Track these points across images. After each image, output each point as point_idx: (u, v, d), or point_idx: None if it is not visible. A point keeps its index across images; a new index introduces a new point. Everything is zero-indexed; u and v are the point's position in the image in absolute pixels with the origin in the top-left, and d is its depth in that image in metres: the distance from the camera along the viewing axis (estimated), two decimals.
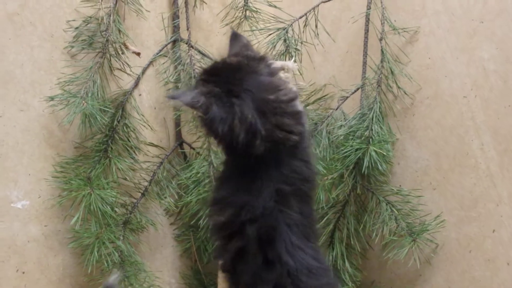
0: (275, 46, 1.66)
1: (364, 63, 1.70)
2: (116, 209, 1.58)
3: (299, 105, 1.21)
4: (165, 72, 1.72)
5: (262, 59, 1.19)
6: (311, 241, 1.18)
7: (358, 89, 1.69)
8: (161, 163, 1.70)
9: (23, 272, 1.56)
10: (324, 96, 1.79)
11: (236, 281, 1.20)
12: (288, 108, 1.15)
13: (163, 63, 1.73)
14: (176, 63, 1.72)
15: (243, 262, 1.16)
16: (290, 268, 1.12)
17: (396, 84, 1.66)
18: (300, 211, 1.16)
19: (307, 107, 1.73)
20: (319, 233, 1.33)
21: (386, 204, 1.62)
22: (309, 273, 1.14)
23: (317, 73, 1.84)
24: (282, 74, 1.29)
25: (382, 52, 1.66)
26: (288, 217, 1.14)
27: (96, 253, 1.49)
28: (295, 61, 1.55)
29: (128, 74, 1.67)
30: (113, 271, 1.38)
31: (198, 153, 1.70)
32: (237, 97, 1.11)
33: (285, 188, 1.14)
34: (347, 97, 1.71)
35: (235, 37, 1.26)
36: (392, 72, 1.65)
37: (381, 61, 1.65)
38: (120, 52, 1.63)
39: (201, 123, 1.17)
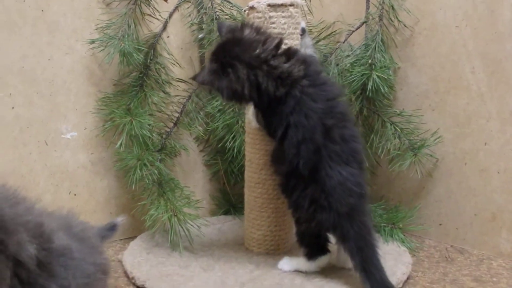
0: None
1: (367, 0, 1.95)
2: (153, 135, 1.86)
3: (293, 45, 1.56)
4: (189, 15, 2.01)
5: (244, 25, 1.51)
6: (350, 165, 1.46)
7: (362, 23, 1.97)
8: (190, 96, 1.98)
9: (75, 194, 1.86)
10: (333, 32, 2.05)
11: (290, 197, 1.53)
12: (277, 51, 1.46)
13: (187, 8, 2.00)
14: (199, 7, 2.00)
15: (296, 186, 1.49)
16: (325, 187, 1.44)
17: (397, 17, 1.93)
18: (341, 138, 1.46)
19: (319, 42, 2.00)
20: (360, 156, 1.52)
21: (390, 124, 1.89)
22: (341, 191, 1.44)
23: (326, 12, 2.10)
24: (292, 9, 1.58)
25: None
26: (330, 149, 1.44)
27: (138, 172, 1.77)
28: None
29: (157, 18, 1.94)
30: (120, 216, 1.59)
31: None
32: (231, 66, 1.45)
33: (328, 122, 1.44)
34: (353, 31, 1.98)
35: (220, 26, 1.57)
36: (392, 7, 1.91)
37: None
38: None
39: (217, 95, 1.57)
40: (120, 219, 1.50)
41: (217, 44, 1.52)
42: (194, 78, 1.54)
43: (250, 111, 1.62)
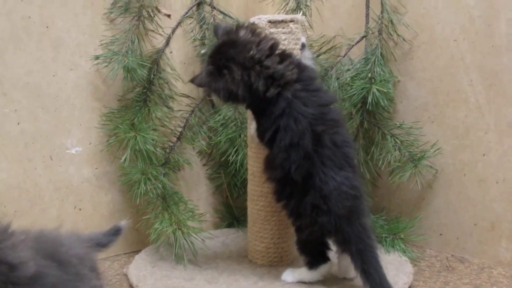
0: (287, 3, 1.99)
1: (367, 15, 2.01)
2: (157, 150, 1.90)
3: (287, 48, 1.61)
4: (192, 31, 2.05)
5: (239, 27, 1.57)
6: (344, 170, 1.51)
7: (362, 38, 2.01)
8: (193, 111, 2.03)
9: (80, 209, 1.90)
10: (333, 46, 2.10)
11: (288, 206, 1.57)
12: (272, 53, 1.51)
13: (190, 23, 2.05)
14: (201, 23, 2.05)
15: (293, 193, 1.54)
16: (323, 193, 1.49)
17: (396, 32, 1.98)
18: (333, 144, 1.51)
19: (319, 56, 2.05)
20: (352, 160, 1.57)
21: (391, 137, 1.94)
22: (338, 196, 1.49)
23: (326, 26, 2.15)
24: (292, 25, 1.63)
25: (382, 4, 1.97)
26: (322, 155, 1.49)
27: (143, 186, 1.81)
28: (302, 14, 1.88)
29: (160, 34, 1.99)
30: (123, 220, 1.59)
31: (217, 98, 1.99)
32: (226, 68, 1.50)
33: (318, 128, 1.49)
34: (353, 45, 2.03)
35: (216, 28, 1.62)
36: (391, 22, 1.97)
37: (381, 12, 1.97)
38: (153, 15, 1.95)
39: (214, 96, 1.66)
40: (124, 223, 1.52)
41: (213, 47, 1.57)
42: (192, 80, 1.60)
43: (252, 127, 1.66)
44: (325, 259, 1.62)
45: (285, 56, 1.53)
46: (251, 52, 1.49)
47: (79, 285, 1.22)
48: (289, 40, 1.66)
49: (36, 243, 1.23)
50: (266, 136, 1.52)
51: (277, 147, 1.50)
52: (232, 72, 1.49)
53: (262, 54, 1.50)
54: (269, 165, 1.56)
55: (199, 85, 1.60)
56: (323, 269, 1.62)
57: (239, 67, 1.49)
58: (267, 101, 1.49)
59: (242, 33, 1.53)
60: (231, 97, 1.52)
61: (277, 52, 1.53)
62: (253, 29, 1.56)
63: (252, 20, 1.67)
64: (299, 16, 1.70)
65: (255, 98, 1.51)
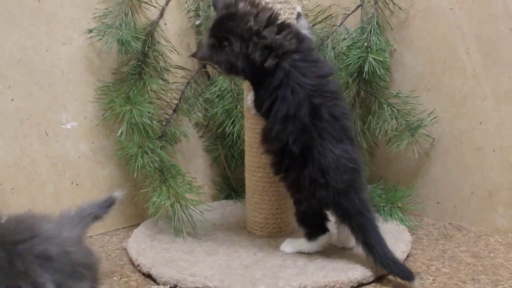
0: None
1: None
2: (153, 123, 1.91)
3: (286, 19, 1.61)
4: (186, 2, 2.05)
5: (238, 0, 1.56)
6: (343, 142, 1.52)
7: (358, 7, 2.02)
8: (188, 82, 2.03)
9: (77, 184, 1.91)
10: (329, 15, 2.11)
11: (286, 179, 1.59)
12: (270, 23, 1.52)
13: None
14: None
15: (291, 166, 1.55)
16: (321, 166, 1.50)
17: (392, 0, 1.98)
18: (331, 116, 1.51)
19: (315, 26, 2.05)
20: (351, 133, 1.58)
21: (387, 106, 1.96)
22: (336, 169, 1.51)
23: None
24: None
25: None
26: (320, 128, 1.50)
27: (140, 160, 1.82)
28: None
29: (154, 6, 1.98)
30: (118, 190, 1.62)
31: (220, 71, 2.01)
32: (226, 40, 1.51)
33: (315, 100, 1.50)
34: (349, 14, 2.04)
35: (215, 2, 1.62)
36: None
37: None
38: None
39: (216, 68, 1.64)
40: (118, 193, 1.55)
41: (213, 20, 1.58)
42: (194, 55, 1.62)
43: (249, 98, 1.67)
44: (324, 230, 1.64)
45: (283, 27, 1.53)
46: (249, 24, 1.49)
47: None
48: (285, 9, 1.66)
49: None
50: (264, 106, 1.53)
51: (273, 118, 1.51)
52: (231, 44, 1.50)
53: (260, 25, 1.50)
54: (266, 137, 1.57)
55: (201, 58, 1.63)
56: (322, 240, 1.64)
57: (238, 38, 1.49)
58: (266, 72, 1.50)
59: (241, 5, 1.53)
60: (232, 69, 1.53)
61: (277, 22, 1.53)
62: (252, 1, 1.55)
63: None
64: None
65: (254, 69, 1.51)
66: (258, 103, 1.57)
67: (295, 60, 1.49)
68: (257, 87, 1.57)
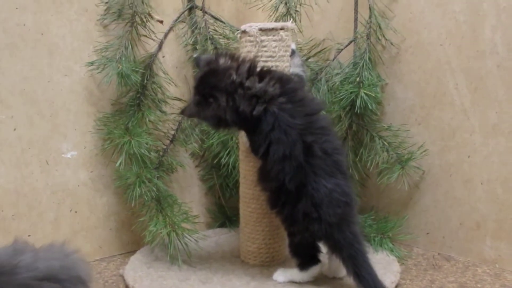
0: (277, 9, 2.06)
1: (356, 19, 2.09)
2: (151, 154, 1.97)
3: (266, 65, 1.68)
4: (184, 36, 2.13)
5: (218, 55, 1.66)
6: (335, 177, 1.59)
7: (351, 42, 2.09)
8: None
9: (76, 212, 1.97)
10: (323, 49, 2.18)
11: (281, 213, 1.65)
12: (251, 74, 1.60)
13: (182, 28, 2.12)
14: (193, 28, 2.12)
15: (286, 202, 1.61)
16: (314, 201, 1.57)
17: (384, 36, 2.05)
18: (323, 152, 1.58)
19: (309, 59, 2.12)
20: (343, 167, 1.64)
21: (379, 139, 2.02)
22: (329, 203, 1.57)
23: (315, 30, 2.23)
24: (282, 33, 1.70)
25: (370, 9, 2.04)
26: (313, 165, 1.57)
27: (137, 189, 1.88)
28: (292, 21, 1.94)
29: (152, 39, 2.06)
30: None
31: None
32: (211, 96, 1.59)
33: (307, 138, 1.57)
34: (342, 49, 2.11)
35: (198, 60, 1.70)
36: (379, 26, 2.04)
37: (370, 17, 2.05)
38: (145, 21, 2.01)
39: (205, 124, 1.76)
40: None
41: (197, 78, 1.65)
42: (182, 112, 1.70)
43: (243, 133, 1.74)
44: (316, 261, 1.70)
45: (264, 74, 1.61)
46: (232, 77, 1.58)
47: None
48: (280, 47, 1.73)
49: None
50: (260, 151, 1.59)
51: (272, 160, 1.57)
52: (217, 99, 1.58)
53: (242, 76, 1.58)
54: (263, 176, 1.64)
55: (189, 116, 1.71)
56: (313, 271, 1.70)
57: (223, 93, 1.57)
58: (256, 119, 1.57)
59: (221, 61, 1.62)
60: (220, 123, 1.61)
61: (256, 71, 1.61)
62: (231, 55, 1.64)
63: (243, 27, 1.74)
64: (289, 23, 1.77)
65: (243, 119, 1.59)
66: (254, 148, 1.64)
67: (282, 103, 1.56)
68: (250, 133, 1.64)
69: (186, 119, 2.08)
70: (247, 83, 1.57)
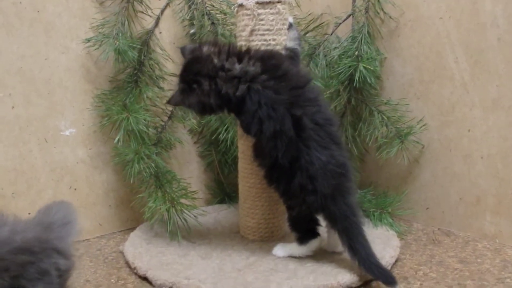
0: None
1: None
2: (149, 130, 1.98)
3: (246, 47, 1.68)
4: (180, 11, 2.12)
5: (202, 44, 1.67)
6: (329, 148, 1.59)
7: (349, 16, 2.09)
8: None
9: (75, 189, 1.99)
10: (321, 23, 2.18)
11: (278, 188, 1.67)
12: (229, 55, 1.61)
13: (179, 4, 2.12)
14: (189, 3, 2.11)
15: (282, 176, 1.62)
16: (309, 173, 1.58)
17: (382, 9, 2.05)
18: (315, 122, 1.59)
19: (307, 34, 2.12)
20: (337, 137, 1.64)
21: (378, 113, 2.02)
22: (324, 174, 1.57)
23: (314, 4, 2.23)
24: (279, 6, 1.70)
25: None
26: (304, 138, 1.57)
27: (136, 165, 1.89)
28: None
29: (149, 15, 2.06)
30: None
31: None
32: (195, 82, 1.61)
33: (296, 111, 1.57)
34: (340, 23, 2.11)
35: (183, 50, 1.71)
36: (378, 0, 2.02)
37: None
38: None
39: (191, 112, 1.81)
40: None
41: (182, 66, 1.67)
42: (168, 102, 1.71)
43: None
44: (314, 234, 1.71)
45: (243, 54, 1.62)
46: (213, 62, 1.59)
47: None
48: (277, 20, 1.73)
49: None
50: (252, 130, 1.59)
51: (264, 137, 1.57)
52: (200, 84, 1.59)
53: (222, 60, 1.59)
54: (258, 152, 1.65)
55: (175, 104, 1.73)
56: (312, 245, 1.71)
57: (206, 78, 1.59)
58: (240, 100, 1.58)
59: (205, 48, 1.63)
60: (205, 108, 1.63)
61: (235, 52, 1.62)
62: (214, 42, 1.66)
63: (240, 1, 1.74)
64: None
65: (227, 101, 1.60)
66: (245, 128, 1.64)
67: (264, 81, 1.57)
68: (238, 115, 1.65)
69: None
70: (227, 65, 1.59)
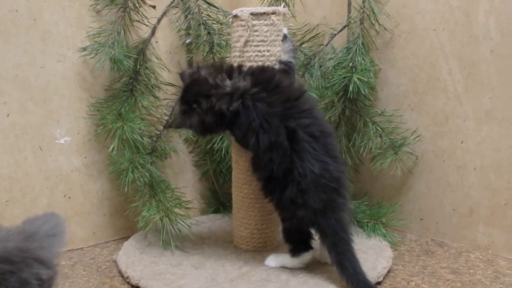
0: None
1: (349, 4, 2.09)
2: (144, 139, 1.99)
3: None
4: (177, 21, 2.14)
5: (200, 67, 1.70)
6: (323, 161, 1.59)
7: (344, 27, 2.10)
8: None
9: (69, 197, 1.99)
10: (316, 34, 2.19)
11: (273, 200, 1.67)
12: (219, 76, 1.64)
13: (175, 13, 2.13)
14: (186, 13, 2.12)
15: (276, 188, 1.63)
16: (300, 186, 1.58)
17: (377, 21, 2.06)
18: (310, 135, 1.59)
19: (302, 45, 2.13)
20: (333, 150, 1.64)
21: (372, 124, 2.03)
22: (315, 189, 1.58)
23: (309, 15, 2.24)
24: (274, 17, 1.72)
25: None
26: (299, 150, 1.58)
27: (130, 175, 1.90)
28: (285, 5, 1.96)
29: (145, 24, 2.07)
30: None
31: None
32: (195, 102, 1.64)
33: (290, 123, 1.58)
34: (335, 34, 2.11)
35: (182, 75, 1.74)
36: (373, 11, 2.04)
37: (363, 2, 2.05)
38: (138, 6, 2.02)
39: (192, 132, 1.79)
40: None
41: (181, 89, 1.70)
42: (170, 126, 1.78)
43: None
44: (307, 247, 1.72)
45: (232, 70, 1.66)
46: (209, 81, 1.62)
47: None
48: (271, 31, 1.74)
49: None
50: (249, 143, 1.61)
51: (260, 150, 1.59)
52: (199, 104, 1.62)
53: (214, 78, 1.63)
54: (256, 166, 1.66)
55: (177, 126, 1.77)
56: (305, 257, 1.72)
57: (204, 97, 1.62)
58: (236, 115, 1.60)
59: (203, 71, 1.66)
60: (206, 127, 1.65)
61: (224, 69, 1.66)
62: (211, 63, 1.72)
63: (234, 12, 1.75)
64: (280, 8, 1.77)
65: (223, 118, 1.62)
66: (242, 143, 1.67)
67: (255, 94, 1.59)
68: (234, 131, 1.67)
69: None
70: (219, 82, 1.62)
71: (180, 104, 1.70)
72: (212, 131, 1.71)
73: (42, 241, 1.32)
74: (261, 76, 1.63)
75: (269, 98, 1.58)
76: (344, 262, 1.58)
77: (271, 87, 1.61)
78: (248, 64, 1.72)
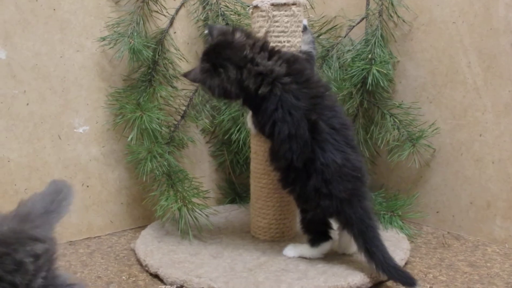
0: None
1: None
2: (162, 129, 2.00)
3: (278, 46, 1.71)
4: (195, 12, 2.14)
5: (235, 29, 1.66)
6: (345, 152, 1.60)
7: (363, 19, 2.10)
8: (196, 89, 2.12)
9: (88, 186, 2.00)
10: (334, 26, 2.19)
11: (293, 191, 1.67)
12: (262, 50, 1.61)
13: (193, 4, 2.14)
14: (204, 4, 2.13)
15: (297, 179, 1.63)
16: (324, 176, 1.59)
17: (396, 13, 2.06)
18: (331, 127, 1.60)
19: (320, 37, 2.13)
20: (353, 142, 1.65)
21: (390, 116, 2.03)
22: (339, 178, 1.59)
23: (327, 6, 2.24)
24: (294, 8, 1.71)
25: None
26: (320, 141, 1.58)
27: (149, 164, 1.91)
28: None
29: (164, 15, 2.07)
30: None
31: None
32: (222, 67, 1.60)
33: (312, 116, 1.58)
34: (354, 26, 2.12)
35: (211, 28, 1.70)
36: (392, 3, 2.05)
37: None
38: None
39: (207, 93, 1.73)
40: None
41: (208, 45, 1.66)
42: (185, 75, 1.69)
43: (248, 120, 1.77)
44: (327, 237, 1.72)
45: (274, 53, 1.63)
46: (245, 52, 1.59)
47: None
48: (291, 22, 1.75)
49: None
50: (266, 130, 1.61)
51: (278, 139, 1.59)
52: (227, 71, 1.58)
53: (254, 52, 1.59)
54: (274, 156, 1.66)
55: (193, 80, 1.70)
56: (324, 247, 1.72)
57: (234, 66, 1.58)
58: (261, 98, 1.59)
59: (238, 35, 1.62)
60: (225, 95, 1.62)
61: (268, 49, 1.62)
62: (248, 32, 1.65)
63: (255, 3, 1.75)
64: None
65: (248, 95, 1.61)
66: (259, 127, 1.66)
67: (286, 84, 1.57)
68: (255, 111, 1.66)
69: (197, 95, 2.10)
70: (258, 59, 1.59)
71: (202, 61, 1.64)
72: (230, 99, 1.67)
73: (35, 221, 1.32)
74: (295, 66, 1.61)
75: (298, 91, 1.58)
76: (373, 249, 1.58)
77: (302, 79, 1.60)
78: (280, 48, 1.70)
